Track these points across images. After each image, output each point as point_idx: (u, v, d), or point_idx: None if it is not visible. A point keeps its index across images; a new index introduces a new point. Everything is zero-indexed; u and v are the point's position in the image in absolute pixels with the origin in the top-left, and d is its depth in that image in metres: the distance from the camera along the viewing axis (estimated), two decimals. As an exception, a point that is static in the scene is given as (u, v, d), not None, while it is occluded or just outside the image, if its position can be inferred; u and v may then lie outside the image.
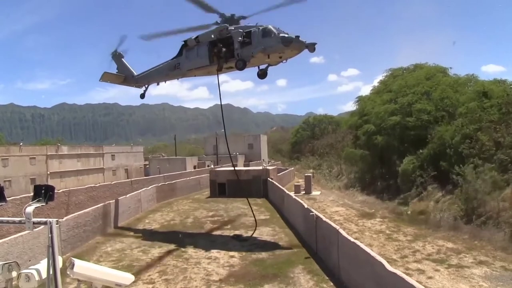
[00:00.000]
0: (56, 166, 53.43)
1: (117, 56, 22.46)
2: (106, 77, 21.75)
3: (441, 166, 22.95)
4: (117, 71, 22.50)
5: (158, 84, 21.87)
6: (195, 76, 20.77)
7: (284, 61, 17.12)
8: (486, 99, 24.01)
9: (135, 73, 22.21)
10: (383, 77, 38.06)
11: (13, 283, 4.66)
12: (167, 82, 21.44)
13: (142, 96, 22.55)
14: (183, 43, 19.30)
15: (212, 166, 47.67)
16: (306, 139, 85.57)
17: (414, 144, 26.47)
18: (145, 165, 70.05)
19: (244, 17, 17.76)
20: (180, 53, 19.56)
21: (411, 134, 27.00)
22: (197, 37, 18.46)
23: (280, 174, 38.58)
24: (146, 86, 22.15)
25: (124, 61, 22.55)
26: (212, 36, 17.83)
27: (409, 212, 22.76)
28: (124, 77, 22.28)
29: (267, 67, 18.34)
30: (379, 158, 31.29)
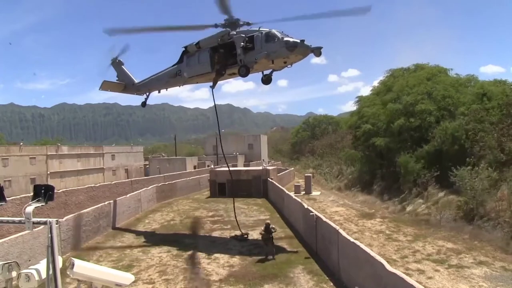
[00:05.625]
0: (56, 166, 53.43)
1: (117, 63, 21.82)
2: (106, 86, 21.15)
3: (443, 164, 22.94)
4: (117, 79, 21.94)
5: (159, 91, 21.31)
6: (197, 83, 20.08)
7: (289, 66, 16.50)
8: (487, 100, 24.04)
9: (136, 81, 21.68)
10: (384, 78, 38.03)
11: (13, 283, 4.66)
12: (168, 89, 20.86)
13: (143, 104, 22.00)
14: (183, 49, 18.67)
15: (212, 166, 47.67)
16: (306, 139, 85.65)
17: (416, 144, 26.41)
18: (145, 165, 70.07)
19: (249, 24, 16.94)
20: (181, 59, 18.94)
21: (413, 135, 26.96)
22: (198, 42, 17.83)
23: (280, 174, 38.59)
24: (147, 94, 21.63)
25: (125, 69, 21.94)
26: (214, 41, 17.24)
27: (408, 211, 22.77)
28: (124, 85, 21.73)
29: (271, 73, 17.76)
30: (380, 158, 31.27)
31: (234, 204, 20.52)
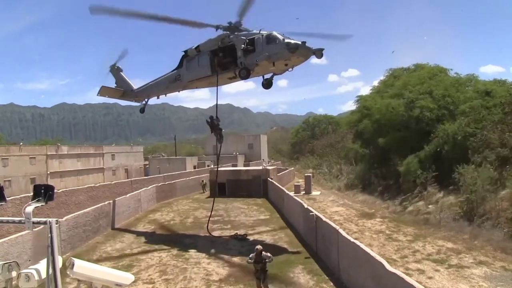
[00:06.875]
0: (56, 166, 53.42)
1: (115, 70, 21.93)
2: (104, 92, 21.24)
3: (443, 164, 22.91)
4: (115, 85, 22.04)
5: (158, 97, 21.27)
6: (196, 87, 19.97)
7: (290, 69, 16.25)
8: (489, 98, 24.02)
9: (134, 87, 21.75)
10: (384, 77, 38.10)
11: (13, 283, 4.66)
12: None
13: (142, 110, 22.07)
14: (183, 53, 18.63)
15: (212, 166, 47.64)
16: (306, 139, 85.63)
17: (417, 142, 26.38)
18: (145, 165, 70.06)
19: (248, 30, 16.83)
20: (180, 64, 18.88)
21: (414, 131, 26.95)
22: (197, 46, 17.75)
23: (280, 174, 38.57)
24: (146, 100, 21.69)
25: (123, 75, 22.03)
26: (214, 44, 17.12)
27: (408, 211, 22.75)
28: (123, 91, 21.84)
29: (272, 76, 17.55)
30: (380, 157, 31.23)
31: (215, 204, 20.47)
